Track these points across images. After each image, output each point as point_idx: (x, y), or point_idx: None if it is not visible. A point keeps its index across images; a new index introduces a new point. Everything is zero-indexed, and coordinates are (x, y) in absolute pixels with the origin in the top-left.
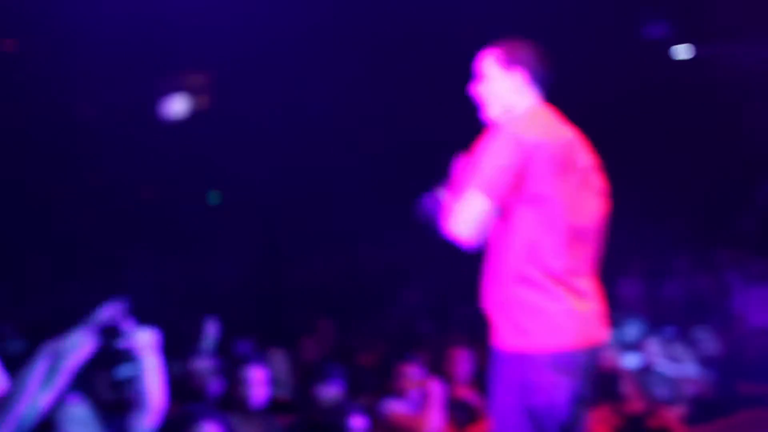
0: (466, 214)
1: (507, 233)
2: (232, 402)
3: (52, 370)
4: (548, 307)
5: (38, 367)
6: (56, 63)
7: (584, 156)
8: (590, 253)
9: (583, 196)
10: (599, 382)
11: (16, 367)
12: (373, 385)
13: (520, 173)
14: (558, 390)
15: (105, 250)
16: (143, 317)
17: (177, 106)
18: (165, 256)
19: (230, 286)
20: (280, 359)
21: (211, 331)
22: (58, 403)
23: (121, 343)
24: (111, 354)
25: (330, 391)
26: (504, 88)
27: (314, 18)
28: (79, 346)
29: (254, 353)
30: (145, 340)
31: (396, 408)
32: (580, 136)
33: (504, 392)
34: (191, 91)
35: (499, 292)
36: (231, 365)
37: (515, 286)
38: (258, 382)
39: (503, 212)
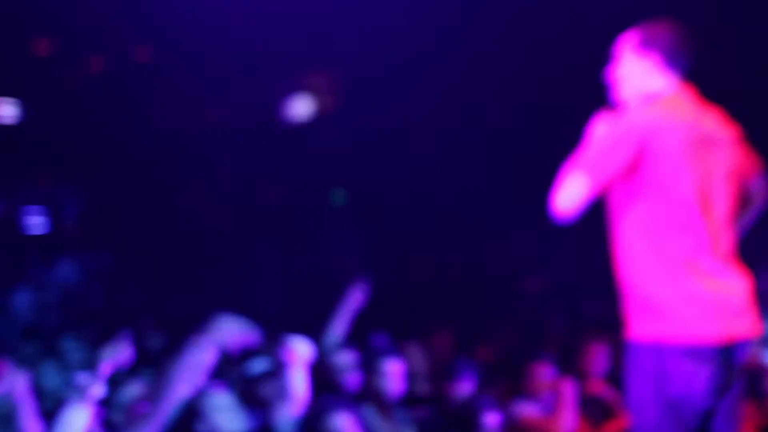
0: (567, 192)
1: (635, 220)
2: (368, 394)
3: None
4: (683, 294)
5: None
6: (184, 67)
7: (721, 138)
8: (728, 237)
9: (717, 180)
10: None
11: (155, 360)
12: (500, 381)
13: (636, 159)
14: (696, 379)
15: (235, 249)
16: (272, 313)
17: (301, 106)
18: (292, 255)
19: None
20: (415, 353)
21: (340, 323)
22: (202, 392)
23: (276, 355)
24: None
25: (463, 387)
26: (636, 72)
27: (439, 14)
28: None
29: (391, 347)
30: (301, 352)
31: (527, 410)
32: (722, 116)
33: (640, 384)
34: (315, 91)
35: (630, 280)
36: (368, 358)
37: (647, 274)
38: (395, 375)
39: (629, 199)
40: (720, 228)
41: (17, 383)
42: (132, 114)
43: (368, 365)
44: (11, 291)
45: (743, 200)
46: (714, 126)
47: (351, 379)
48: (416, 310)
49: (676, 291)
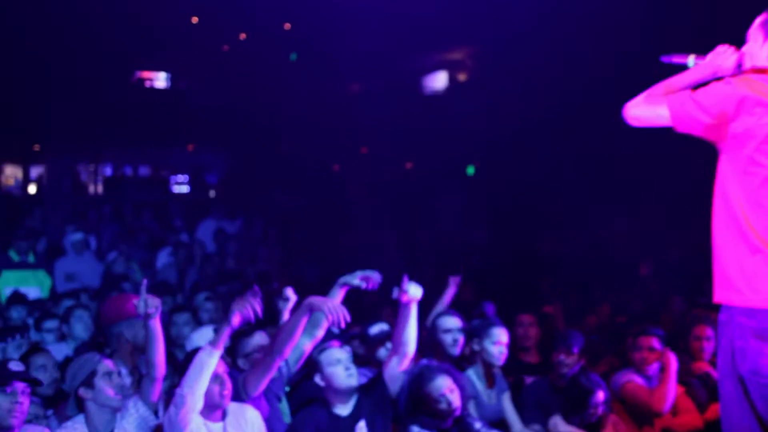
0: (650, 109)
1: (722, 198)
2: (473, 359)
3: (313, 323)
4: (757, 266)
5: (301, 319)
6: (325, 39)
7: None
8: None
9: None
10: None
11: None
12: (607, 353)
13: (723, 123)
14: (763, 357)
15: (363, 219)
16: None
17: (438, 80)
18: (417, 227)
19: (482, 253)
20: (528, 323)
21: (449, 292)
22: (320, 347)
23: (395, 295)
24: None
25: (571, 359)
26: (759, 52)
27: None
28: (330, 305)
29: (497, 316)
30: (415, 294)
31: (634, 379)
32: None
33: (721, 358)
34: (452, 66)
35: (717, 249)
36: (477, 326)
37: (728, 243)
38: (500, 343)
39: (723, 176)
40: None
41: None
42: (275, 85)
43: (476, 332)
44: (156, 250)
45: None
46: None
47: (458, 343)
48: (531, 283)
49: (752, 263)
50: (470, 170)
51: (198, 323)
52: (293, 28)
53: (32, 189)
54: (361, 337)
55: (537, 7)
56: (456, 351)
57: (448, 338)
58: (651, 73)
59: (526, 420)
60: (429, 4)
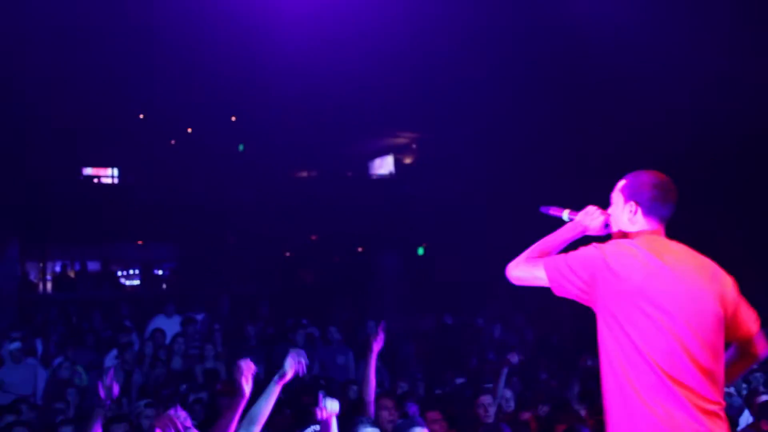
0: (526, 270)
1: (610, 352)
2: None
3: (250, 419)
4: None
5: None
6: (274, 134)
7: (707, 289)
8: (709, 389)
9: (697, 331)
10: None
11: None
12: None
13: (592, 287)
14: None
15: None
16: None
17: (385, 164)
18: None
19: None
20: (433, 420)
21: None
22: None
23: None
24: None
25: None
26: (620, 215)
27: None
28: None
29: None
30: (333, 409)
31: None
32: (708, 266)
33: None
34: (398, 150)
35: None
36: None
37: (614, 402)
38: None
39: (603, 328)
40: (699, 379)
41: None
42: (223, 176)
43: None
44: (105, 351)
45: (738, 353)
46: (683, 278)
47: None
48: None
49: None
50: (420, 251)
51: (138, 431)
52: (239, 120)
53: None
54: None
55: (479, 94)
56: None
57: None
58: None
59: None
60: (374, 93)
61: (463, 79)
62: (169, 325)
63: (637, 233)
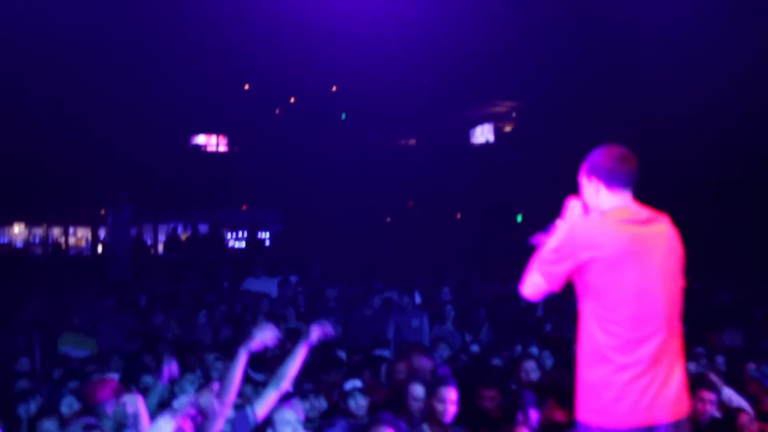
0: (530, 283)
1: (584, 316)
2: (427, 416)
3: (279, 375)
4: (595, 386)
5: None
6: (370, 96)
7: (663, 244)
8: (668, 335)
9: (658, 283)
10: None
11: None
12: None
13: (578, 267)
14: None
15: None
16: None
17: (485, 133)
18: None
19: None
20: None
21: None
22: (277, 406)
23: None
24: None
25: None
26: (589, 196)
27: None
28: None
29: (450, 376)
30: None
31: None
32: (669, 223)
33: None
34: (498, 119)
35: (579, 371)
36: (430, 385)
37: (582, 363)
38: (449, 401)
39: (581, 296)
40: (658, 326)
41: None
42: (325, 144)
43: (428, 391)
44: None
45: None
46: (657, 234)
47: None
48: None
49: (602, 381)
50: (519, 218)
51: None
52: (340, 89)
53: (100, 249)
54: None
55: (577, 61)
56: (417, 412)
57: (414, 405)
58: None
59: None
60: (475, 61)
61: (564, 47)
62: (259, 286)
63: (608, 208)
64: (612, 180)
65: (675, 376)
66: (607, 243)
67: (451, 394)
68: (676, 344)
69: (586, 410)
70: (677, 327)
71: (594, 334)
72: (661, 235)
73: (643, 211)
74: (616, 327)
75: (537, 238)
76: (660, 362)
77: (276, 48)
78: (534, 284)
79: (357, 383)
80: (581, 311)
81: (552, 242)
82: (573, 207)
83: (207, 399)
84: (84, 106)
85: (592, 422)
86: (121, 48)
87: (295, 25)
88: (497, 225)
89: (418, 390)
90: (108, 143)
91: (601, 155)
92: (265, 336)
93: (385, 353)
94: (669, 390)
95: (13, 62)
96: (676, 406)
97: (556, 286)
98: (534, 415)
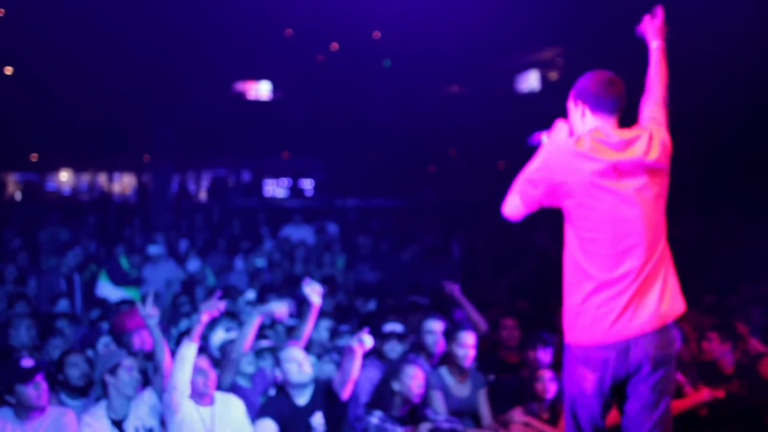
0: (509, 204)
1: (566, 238)
2: (446, 359)
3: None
4: (576, 306)
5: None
6: (413, 46)
7: (640, 164)
8: (642, 251)
9: (634, 203)
10: None
11: None
12: None
13: (551, 191)
14: (584, 382)
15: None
16: None
17: (530, 80)
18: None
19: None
20: (511, 327)
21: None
22: (282, 346)
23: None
24: None
25: (540, 356)
26: (575, 120)
27: None
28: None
29: (467, 320)
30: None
31: None
32: (649, 142)
33: (562, 381)
34: (543, 66)
35: (564, 294)
36: (449, 329)
37: (566, 286)
38: (468, 345)
39: (564, 219)
40: (636, 242)
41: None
42: (369, 92)
43: (447, 335)
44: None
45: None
46: (631, 156)
47: (437, 344)
48: None
49: (575, 304)
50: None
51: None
52: (383, 36)
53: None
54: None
55: (624, 7)
56: (435, 350)
57: (430, 339)
58: None
59: (497, 412)
60: (518, 6)
61: None
62: (298, 233)
63: (582, 132)
64: (597, 105)
65: (656, 287)
66: (578, 168)
67: (468, 339)
68: (660, 257)
69: (571, 331)
70: (660, 242)
71: (575, 255)
72: (636, 157)
73: (618, 134)
74: (595, 246)
75: (533, 139)
76: (641, 276)
77: None
78: (513, 205)
79: (397, 327)
80: (564, 234)
81: (532, 164)
82: (559, 129)
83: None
84: (127, 53)
85: (578, 342)
86: None
87: None
88: None
89: (432, 324)
90: (151, 90)
91: (587, 80)
92: (279, 309)
93: (422, 300)
94: (650, 300)
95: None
96: (658, 314)
97: (532, 208)
98: (547, 356)
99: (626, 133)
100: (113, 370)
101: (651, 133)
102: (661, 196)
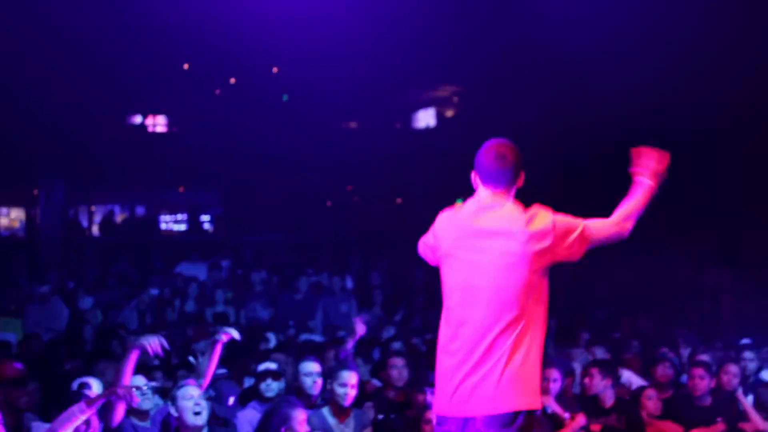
0: (419, 247)
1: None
2: (327, 399)
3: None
4: (438, 372)
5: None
6: (315, 81)
7: (500, 232)
8: (495, 323)
9: (477, 270)
10: None
11: None
12: None
13: (433, 248)
14: None
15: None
16: None
17: (427, 117)
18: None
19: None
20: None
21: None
22: (180, 384)
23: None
24: None
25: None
26: (475, 187)
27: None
28: None
29: (350, 360)
30: None
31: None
32: (519, 213)
33: None
34: (439, 103)
35: None
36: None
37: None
38: (350, 384)
39: None
40: (485, 315)
41: None
42: (266, 126)
43: (329, 374)
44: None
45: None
46: (495, 222)
47: (316, 385)
48: None
49: (437, 369)
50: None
51: None
52: (282, 71)
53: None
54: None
55: (521, 47)
56: (313, 392)
57: (307, 381)
58: None
59: None
60: (415, 45)
61: (506, 33)
62: (191, 269)
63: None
64: (485, 177)
65: (497, 371)
66: (443, 235)
67: (351, 378)
68: (507, 336)
69: (435, 399)
70: (507, 319)
71: (440, 324)
72: (498, 227)
73: (490, 202)
74: (447, 313)
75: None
76: (476, 353)
77: (216, 28)
78: (421, 250)
79: (271, 366)
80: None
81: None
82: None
83: None
84: (17, 83)
85: (435, 409)
86: (58, 24)
87: (235, 4)
88: (437, 210)
89: (308, 366)
90: (42, 121)
91: (481, 151)
92: (150, 344)
93: (313, 337)
94: (489, 384)
95: None
96: (494, 401)
97: (431, 261)
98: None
99: (498, 203)
100: None
101: (536, 212)
102: (522, 273)
